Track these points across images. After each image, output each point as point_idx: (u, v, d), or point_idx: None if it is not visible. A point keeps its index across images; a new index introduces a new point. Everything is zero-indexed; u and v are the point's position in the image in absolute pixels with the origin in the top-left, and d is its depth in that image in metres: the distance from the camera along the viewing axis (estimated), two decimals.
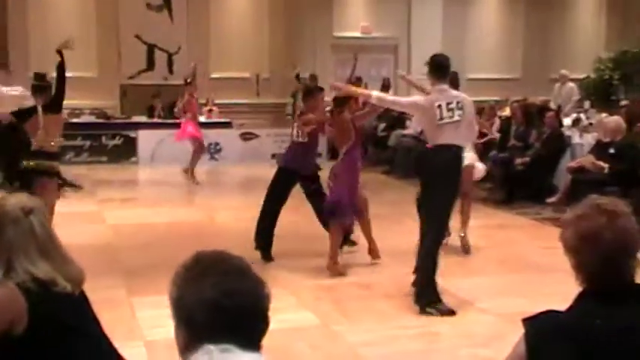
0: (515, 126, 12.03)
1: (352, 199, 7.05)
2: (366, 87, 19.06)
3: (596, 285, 2.32)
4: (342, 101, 7.03)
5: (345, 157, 7.01)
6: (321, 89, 7.87)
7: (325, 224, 7.42)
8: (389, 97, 7.28)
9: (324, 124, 7.55)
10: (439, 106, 5.93)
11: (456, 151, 5.96)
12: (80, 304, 2.90)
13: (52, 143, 7.16)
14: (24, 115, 7.12)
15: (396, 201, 10.53)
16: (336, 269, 7.09)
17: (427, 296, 5.91)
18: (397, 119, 15.09)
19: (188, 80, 12.83)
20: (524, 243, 8.45)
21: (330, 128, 7.43)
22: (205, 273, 1.77)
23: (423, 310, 5.88)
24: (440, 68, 6.11)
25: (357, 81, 10.22)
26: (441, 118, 5.92)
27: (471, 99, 6.30)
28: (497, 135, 12.30)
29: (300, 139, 7.64)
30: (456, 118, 5.94)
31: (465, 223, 7.95)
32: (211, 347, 1.72)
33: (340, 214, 6.99)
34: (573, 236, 2.32)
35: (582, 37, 20.33)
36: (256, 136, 16.11)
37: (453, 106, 5.94)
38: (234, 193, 13.18)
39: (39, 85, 7.32)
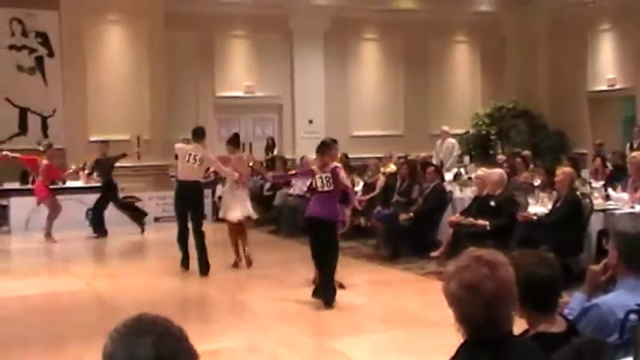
0: (400, 182, 12.29)
1: None
2: (250, 148, 19.29)
3: (478, 335, 2.38)
4: None
5: None
6: (336, 141, 8.71)
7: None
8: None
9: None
10: (189, 154, 10.15)
11: (192, 183, 10.16)
12: None
13: None
14: None
15: (283, 260, 10.50)
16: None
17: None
18: None
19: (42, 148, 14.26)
20: (409, 298, 8.56)
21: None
22: (144, 332, 1.76)
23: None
24: (195, 133, 10.48)
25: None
26: (188, 161, 10.15)
27: (203, 154, 10.22)
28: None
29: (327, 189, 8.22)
30: (196, 165, 10.16)
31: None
32: None
33: None
34: (456, 287, 2.38)
35: (460, 94, 21.20)
36: (138, 199, 15.81)
37: (195, 156, 10.13)
38: (115, 259, 12.83)
39: None
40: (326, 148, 8.38)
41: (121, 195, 15.33)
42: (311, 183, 10.85)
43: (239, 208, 10.41)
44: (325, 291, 8.11)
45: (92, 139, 17.12)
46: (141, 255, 12.82)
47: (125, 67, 17.83)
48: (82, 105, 17.16)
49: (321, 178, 8.21)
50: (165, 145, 16.84)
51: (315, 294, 8.24)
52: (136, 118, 17.54)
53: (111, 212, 14.54)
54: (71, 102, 17.11)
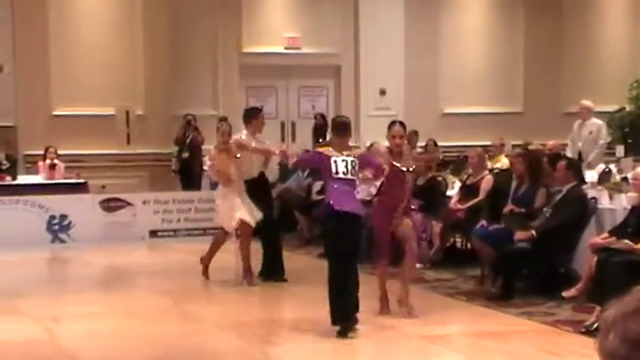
0: (515, 183, 12.18)
1: None
2: (293, 130, 19.29)
3: None
4: None
5: None
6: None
7: None
8: None
9: None
10: None
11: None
12: None
13: None
14: None
15: None
16: None
17: None
18: None
19: None
20: (530, 358, 8.49)
21: None
22: None
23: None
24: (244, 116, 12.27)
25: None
26: None
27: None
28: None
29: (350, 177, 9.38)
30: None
31: None
32: None
33: None
34: (618, 344, 2.31)
35: (612, 52, 20.98)
36: (127, 203, 15.91)
37: None
38: (89, 293, 12.90)
39: None
40: (346, 129, 9.62)
41: (100, 197, 15.46)
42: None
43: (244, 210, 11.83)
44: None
45: (57, 113, 17.28)
46: (128, 286, 12.85)
47: (107, 11, 18.01)
48: (42, 64, 17.43)
49: (345, 161, 9.16)
50: (166, 124, 16.95)
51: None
52: (123, 85, 17.75)
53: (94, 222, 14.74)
54: (26, 59, 17.35)
